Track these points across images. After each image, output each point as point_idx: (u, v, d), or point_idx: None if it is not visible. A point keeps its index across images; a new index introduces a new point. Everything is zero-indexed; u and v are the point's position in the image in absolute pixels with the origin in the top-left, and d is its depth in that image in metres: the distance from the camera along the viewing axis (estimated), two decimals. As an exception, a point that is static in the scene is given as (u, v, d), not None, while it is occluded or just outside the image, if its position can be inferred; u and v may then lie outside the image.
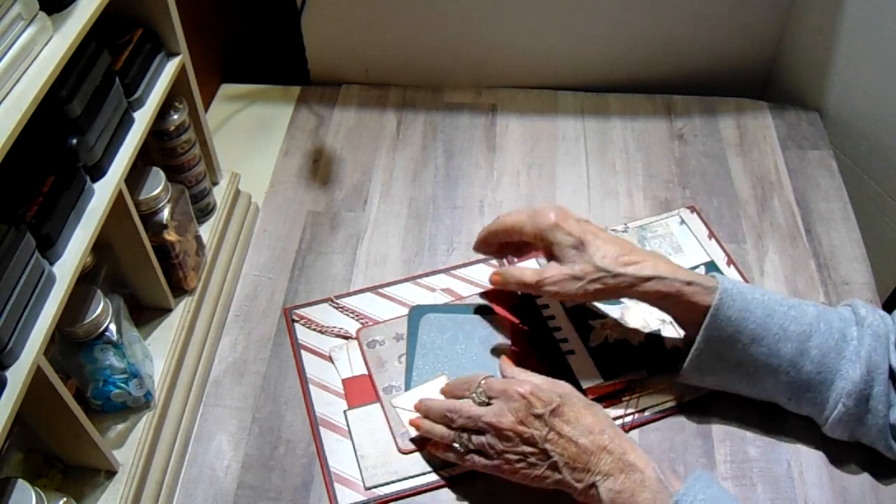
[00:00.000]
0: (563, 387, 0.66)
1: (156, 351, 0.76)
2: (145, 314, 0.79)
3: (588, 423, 0.63)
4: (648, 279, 0.67)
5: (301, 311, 0.86)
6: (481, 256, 0.88)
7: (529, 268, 0.73)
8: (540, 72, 1.11)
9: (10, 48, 0.52)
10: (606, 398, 0.76)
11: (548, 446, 0.63)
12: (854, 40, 0.97)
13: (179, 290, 0.80)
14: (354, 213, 0.96)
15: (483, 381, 0.68)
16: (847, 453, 0.73)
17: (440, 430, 0.70)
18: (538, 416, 0.63)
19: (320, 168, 1.01)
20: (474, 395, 0.68)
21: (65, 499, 0.59)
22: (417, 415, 0.72)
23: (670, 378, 0.77)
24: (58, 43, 0.56)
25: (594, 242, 0.69)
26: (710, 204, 0.95)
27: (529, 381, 0.65)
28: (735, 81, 1.11)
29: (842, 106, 1.03)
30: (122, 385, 0.68)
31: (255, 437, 0.76)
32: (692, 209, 0.93)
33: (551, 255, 0.71)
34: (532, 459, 0.63)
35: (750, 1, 1.03)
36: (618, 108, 1.08)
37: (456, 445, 0.68)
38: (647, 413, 0.76)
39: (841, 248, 0.89)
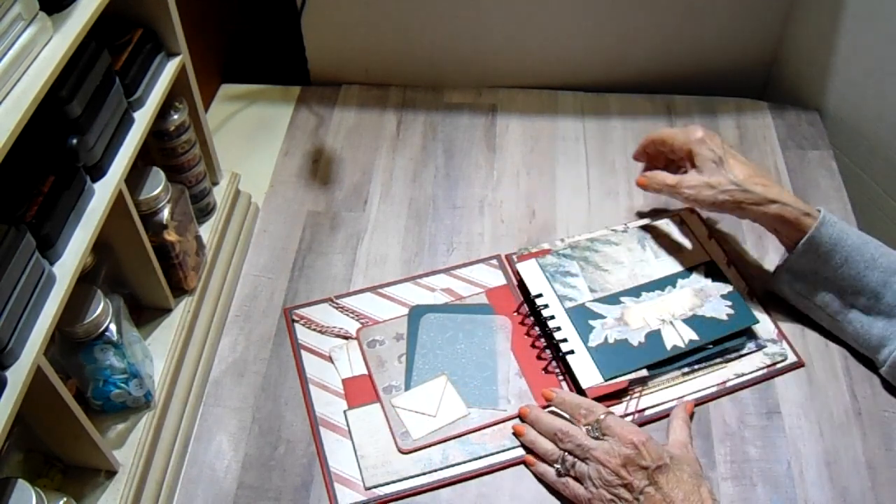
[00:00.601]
0: (680, 452, 0.68)
1: (156, 351, 0.76)
2: (145, 314, 0.79)
3: (686, 490, 0.64)
4: (773, 201, 0.76)
5: (301, 312, 0.86)
6: (482, 256, 0.89)
7: (670, 174, 0.83)
8: (540, 72, 1.11)
9: (10, 48, 0.52)
10: (607, 398, 0.76)
11: (641, 498, 0.64)
12: (854, 40, 0.97)
13: (179, 290, 0.80)
14: (354, 213, 0.96)
15: (602, 417, 0.69)
16: (847, 453, 0.73)
17: (546, 445, 0.71)
18: (643, 468, 0.65)
19: (320, 168, 1.01)
20: (589, 426, 0.70)
21: (65, 499, 0.59)
22: (420, 413, 0.73)
23: (670, 378, 0.77)
24: (58, 43, 0.56)
25: (731, 161, 0.78)
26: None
27: (646, 434, 0.67)
28: (735, 81, 1.11)
29: (842, 106, 1.03)
30: (122, 385, 0.68)
31: (255, 437, 0.76)
32: (691, 210, 0.93)
33: (693, 165, 0.81)
34: (621, 501, 0.65)
35: (750, 1, 1.03)
36: (618, 109, 1.08)
37: (557, 466, 0.70)
38: (647, 413, 0.76)
39: (841, 249, 0.89)
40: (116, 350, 0.66)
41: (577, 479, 0.68)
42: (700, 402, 0.77)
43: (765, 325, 0.82)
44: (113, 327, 0.65)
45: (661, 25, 1.05)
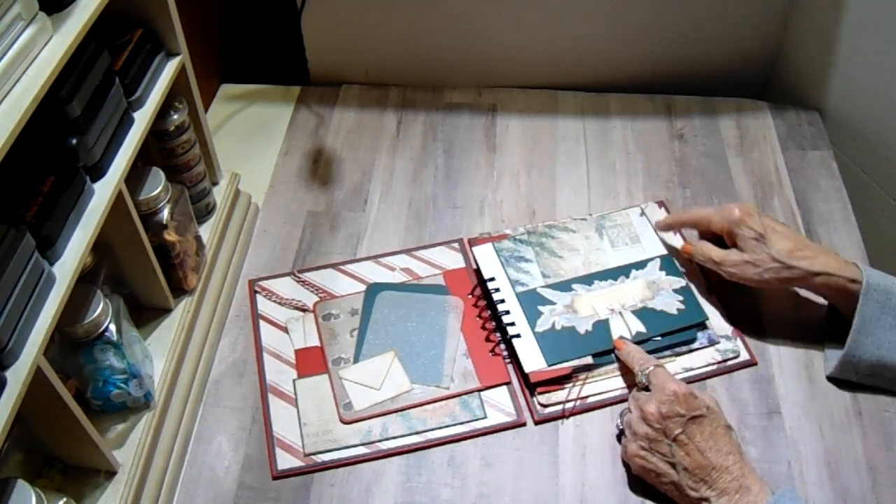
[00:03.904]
0: (714, 404, 0.69)
1: (156, 351, 0.76)
2: (145, 314, 0.79)
3: (720, 443, 0.66)
4: (818, 274, 0.74)
5: (264, 283, 0.88)
6: (443, 239, 0.92)
7: (715, 247, 0.81)
8: (540, 72, 1.11)
9: (9, 48, 0.52)
10: (550, 383, 0.77)
11: (675, 446, 0.67)
12: (854, 40, 0.97)
13: (179, 290, 0.80)
14: (354, 213, 0.96)
15: (651, 368, 0.72)
16: (847, 453, 0.73)
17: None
18: (679, 416, 0.67)
19: (320, 168, 1.01)
20: (639, 372, 0.72)
21: (65, 499, 0.59)
22: (365, 385, 0.77)
23: (616, 367, 0.78)
24: (57, 43, 0.56)
25: (773, 237, 0.76)
26: (710, 204, 0.95)
27: (687, 386, 0.69)
28: (735, 81, 1.11)
29: (842, 106, 1.03)
30: (122, 385, 0.68)
31: (255, 437, 0.76)
32: (661, 204, 0.93)
33: (734, 244, 0.79)
34: (656, 447, 0.67)
35: (750, 1, 1.03)
36: (618, 108, 1.08)
37: (617, 421, 0.74)
38: (590, 400, 0.76)
39: (841, 249, 0.89)
40: (116, 350, 0.66)
41: (626, 429, 0.71)
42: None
43: (719, 321, 0.82)
44: (113, 327, 0.65)
45: (662, 25, 1.05)
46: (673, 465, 0.67)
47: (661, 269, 0.85)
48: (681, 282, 0.83)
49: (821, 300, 0.82)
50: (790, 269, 0.75)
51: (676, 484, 0.66)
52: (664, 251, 0.86)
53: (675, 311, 0.81)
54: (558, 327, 0.80)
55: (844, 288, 0.74)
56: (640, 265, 0.85)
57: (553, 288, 0.83)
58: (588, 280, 0.84)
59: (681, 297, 0.82)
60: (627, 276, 0.84)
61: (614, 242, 0.88)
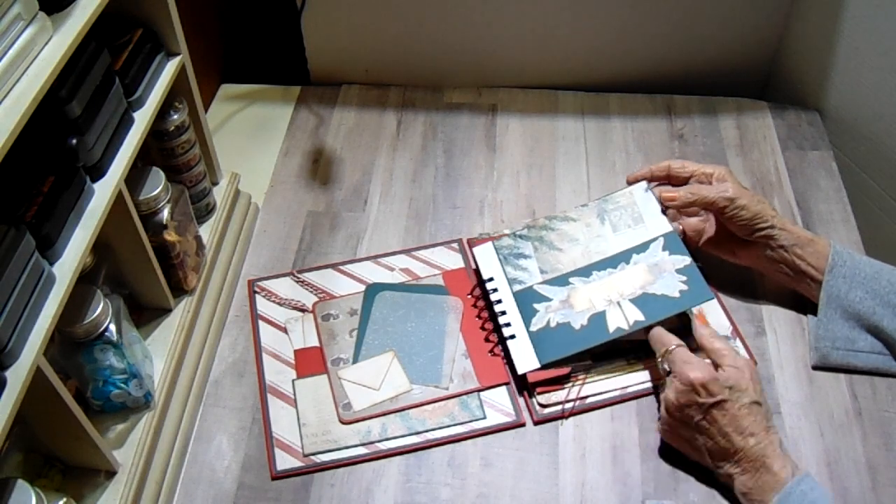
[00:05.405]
0: (740, 378, 0.68)
1: (156, 351, 0.76)
2: (145, 314, 0.79)
3: (742, 424, 0.67)
4: (794, 224, 0.79)
5: (263, 283, 0.88)
6: (443, 239, 0.92)
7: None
8: (540, 72, 1.11)
9: (10, 48, 0.52)
10: (548, 383, 0.76)
11: (696, 432, 0.68)
12: (854, 40, 0.97)
13: (179, 290, 0.80)
14: (354, 213, 0.96)
15: (672, 349, 0.71)
16: (847, 453, 0.73)
17: None
18: (699, 405, 0.67)
19: (320, 168, 1.01)
20: (659, 360, 0.73)
21: (65, 499, 0.59)
22: (364, 386, 0.77)
23: (615, 366, 0.78)
24: (58, 43, 0.56)
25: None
26: (710, 204, 0.95)
27: (708, 369, 0.68)
28: (735, 81, 1.11)
29: (842, 106, 1.03)
30: (122, 385, 0.68)
31: (255, 437, 0.76)
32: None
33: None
34: (679, 430, 0.70)
35: (750, 1, 1.03)
36: (618, 108, 1.08)
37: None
38: (589, 401, 0.76)
39: (841, 249, 0.89)
40: (116, 350, 0.66)
41: (661, 405, 0.72)
42: (644, 395, 0.77)
43: (719, 319, 0.82)
44: (113, 327, 0.65)
45: (662, 25, 1.05)
46: (696, 448, 0.69)
47: (665, 248, 0.80)
48: (685, 260, 0.79)
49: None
50: (775, 210, 0.79)
51: (700, 459, 0.70)
52: (668, 228, 0.82)
53: (677, 294, 0.77)
54: (553, 324, 0.78)
55: (809, 238, 0.78)
56: (642, 248, 0.81)
57: (550, 283, 0.82)
58: (586, 272, 0.81)
59: (684, 278, 0.78)
60: (628, 262, 0.80)
61: (616, 226, 0.84)
